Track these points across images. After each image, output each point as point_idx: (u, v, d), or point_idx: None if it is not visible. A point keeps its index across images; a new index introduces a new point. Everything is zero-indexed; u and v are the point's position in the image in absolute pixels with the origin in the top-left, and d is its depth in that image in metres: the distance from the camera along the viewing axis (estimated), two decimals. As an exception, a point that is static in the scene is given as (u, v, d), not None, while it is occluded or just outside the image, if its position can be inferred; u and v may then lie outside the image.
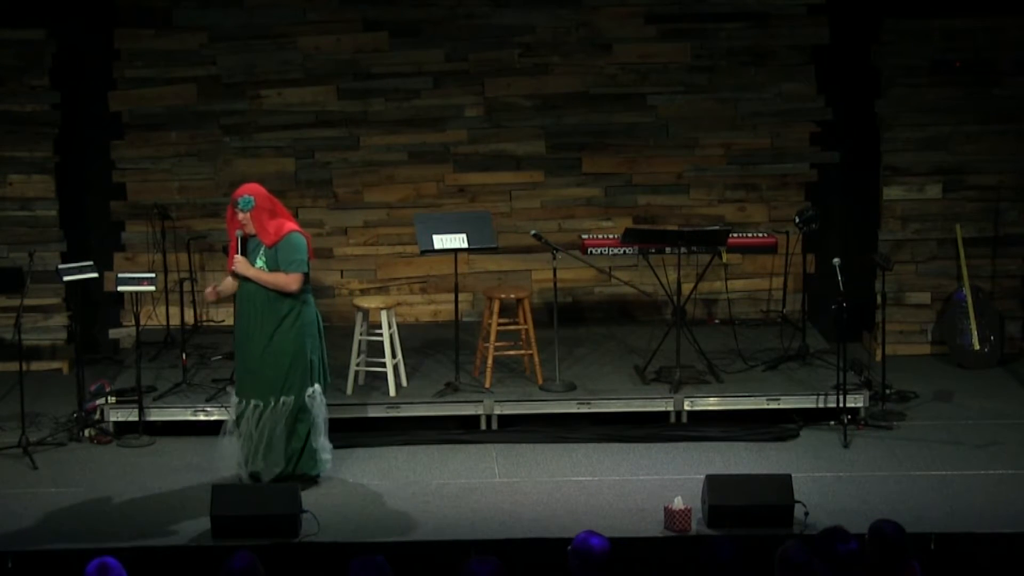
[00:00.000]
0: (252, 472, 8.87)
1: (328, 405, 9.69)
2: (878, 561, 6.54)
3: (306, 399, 8.85)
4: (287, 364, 8.78)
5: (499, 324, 10.25)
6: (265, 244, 8.74)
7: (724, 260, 11.16)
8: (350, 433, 9.68)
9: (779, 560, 6.34)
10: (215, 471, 8.99)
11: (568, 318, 11.52)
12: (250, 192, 8.74)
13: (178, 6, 11.42)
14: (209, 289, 9.01)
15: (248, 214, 8.70)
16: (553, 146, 11.73)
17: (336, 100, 11.59)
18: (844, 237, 11.59)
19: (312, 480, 8.95)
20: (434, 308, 11.82)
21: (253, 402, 8.81)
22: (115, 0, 11.38)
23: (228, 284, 8.95)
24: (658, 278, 10.51)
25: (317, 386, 8.91)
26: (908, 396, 10.49)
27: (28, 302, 10.37)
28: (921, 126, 11.45)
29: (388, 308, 10.20)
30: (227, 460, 8.94)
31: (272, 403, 8.78)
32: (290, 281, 8.71)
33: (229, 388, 9.21)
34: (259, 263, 8.76)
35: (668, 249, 10.42)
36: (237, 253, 8.78)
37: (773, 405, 10.06)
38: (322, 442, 8.95)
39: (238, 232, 8.78)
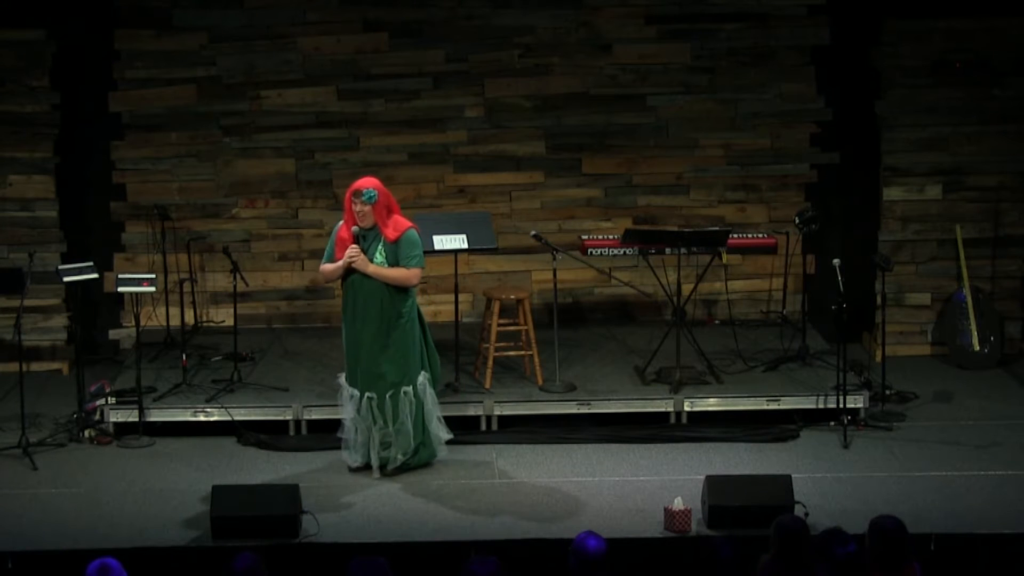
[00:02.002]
0: (382, 461, 9.06)
1: (327, 406, 9.73)
2: (879, 558, 6.54)
3: (417, 388, 9.04)
4: (408, 356, 8.98)
5: (499, 325, 10.25)
6: (387, 239, 8.87)
7: (724, 261, 11.16)
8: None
9: (775, 528, 6.42)
10: (343, 464, 9.20)
11: (568, 319, 11.53)
12: (373, 185, 8.82)
13: (178, 7, 11.42)
14: (332, 267, 8.97)
15: (371, 207, 8.80)
16: (553, 147, 11.73)
17: (336, 101, 11.59)
18: (844, 238, 11.59)
19: (428, 465, 9.20)
20: (434, 309, 11.81)
21: (369, 395, 8.95)
22: (115, 1, 11.38)
23: (332, 270, 8.98)
24: (658, 279, 10.51)
25: (425, 374, 9.09)
26: (908, 397, 10.49)
27: (28, 303, 10.37)
28: (921, 127, 11.45)
29: (388, 309, 10.20)
30: (354, 453, 9.12)
31: (397, 395, 8.95)
32: (411, 276, 8.91)
33: (341, 382, 9.20)
34: (378, 258, 8.87)
35: (668, 250, 10.42)
36: (355, 248, 8.83)
37: (773, 406, 10.06)
38: (436, 427, 9.18)
39: (355, 228, 8.84)
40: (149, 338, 10.91)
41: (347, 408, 9.14)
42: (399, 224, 8.93)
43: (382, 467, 9.11)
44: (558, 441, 9.74)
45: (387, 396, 8.95)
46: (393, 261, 8.88)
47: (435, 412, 9.18)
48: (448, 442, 9.53)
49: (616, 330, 11.62)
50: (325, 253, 9.10)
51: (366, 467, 9.15)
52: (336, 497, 8.83)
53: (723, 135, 11.72)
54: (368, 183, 8.85)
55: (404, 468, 9.13)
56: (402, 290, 8.92)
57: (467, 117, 11.65)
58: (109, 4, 11.36)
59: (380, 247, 8.88)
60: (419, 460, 9.19)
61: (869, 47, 11.51)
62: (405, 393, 8.98)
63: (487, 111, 11.65)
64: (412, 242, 8.92)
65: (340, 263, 8.90)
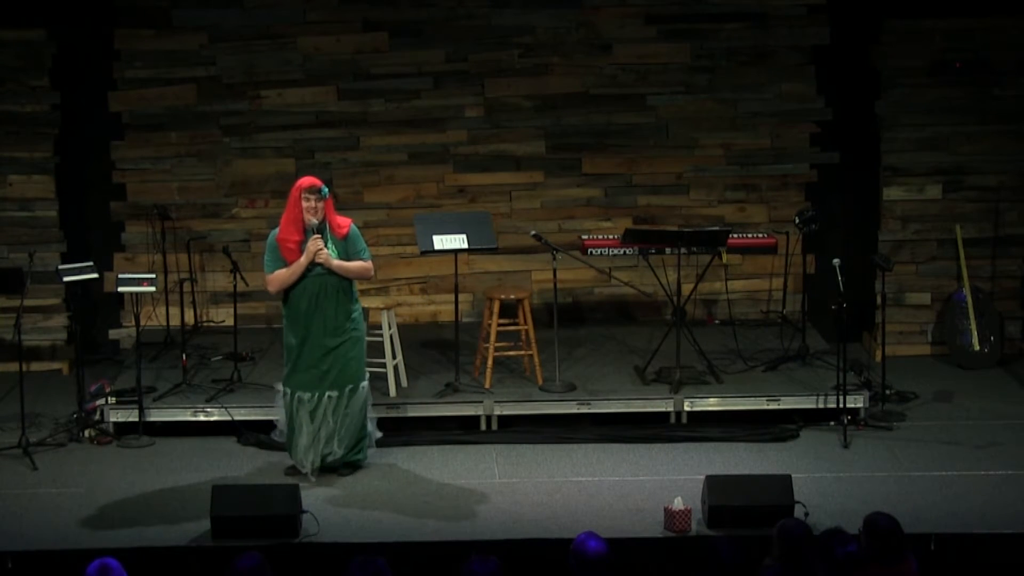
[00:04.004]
0: (326, 461, 9.05)
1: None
2: (874, 554, 6.55)
3: (365, 384, 9.13)
4: (361, 351, 9.05)
5: (499, 325, 10.25)
6: (338, 236, 8.91)
7: (724, 260, 11.16)
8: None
9: (778, 532, 6.42)
10: (279, 468, 9.21)
11: (568, 319, 11.53)
12: (322, 182, 8.86)
13: (178, 7, 11.42)
14: (290, 270, 8.89)
15: (323, 203, 8.84)
16: (553, 146, 11.73)
17: (336, 100, 11.59)
18: (844, 238, 11.59)
19: (358, 467, 9.20)
20: (434, 309, 11.82)
21: (329, 394, 8.95)
22: (115, 1, 11.38)
23: (292, 272, 8.89)
24: (658, 278, 10.51)
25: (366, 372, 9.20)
26: (908, 396, 10.49)
27: (28, 303, 10.38)
28: (921, 126, 11.45)
29: (388, 308, 10.21)
30: (297, 455, 9.09)
31: (353, 390, 8.99)
32: (370, 268, 9.04)
33: (277, 387, 9.21)
34: (332, 254, 8.90)
35: (668, 249, 10.42)
36: (319, 241, 8.80)
37: (773, 406, 10.06)
38: (372, 427, 9.26)
39: (313, 222, 8.83)
40: (149, 338, 10.91)
41: (285, 413, 9.09)
42: (342, 220, 8.99)
43: (322, 466, 9.07)
44: (558, 441, 9.74)
45: (346, 391, 8.96)
46: (344, 256, 8.92)
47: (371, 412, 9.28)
48: (447, 442, 9.57)
49: (616, 330, 11.62)
50: (268, 262, 8.97)
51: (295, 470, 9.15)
52: (336, 497, 8.83)
53: (723, 135, 11.72)
54: (317, 180, 8.88)
55: (343, 463, 9.11)
56: (352, 285, 8.98)
57: (467, 117, 11.66)
58: (109, 4, 11.36)
59: (331, 244, 8.90)
60: (360, 457, 9.17)
61: (869, 47, 11.51)
62: (362, 388, 9.04)
63: (487, 111, 11.65)
64: (359, 236, 9.03)
65: (303, 260, 8.83)
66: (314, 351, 8.95)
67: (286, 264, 8.89)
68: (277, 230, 8.97)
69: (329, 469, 9.11)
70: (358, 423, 9.09)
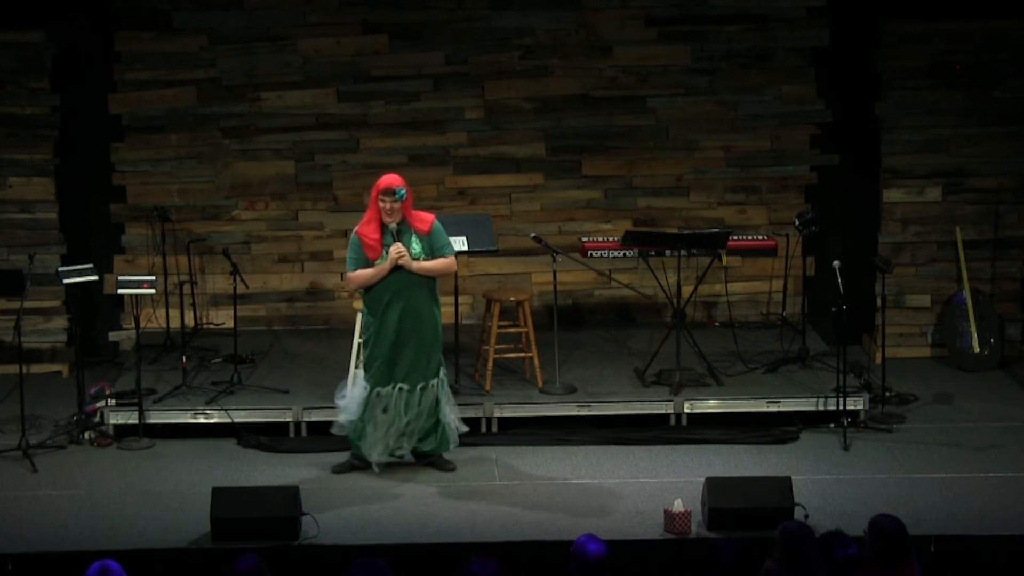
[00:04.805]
0: (394, 454, 9.12)
1: (328, 408, 9.73)
2: (878, 556, 6.54)
3: (443, 378, 9.19)
4: (439, 349, 9.11)
5: (499, 327, 10.25)
6: (421, 232, 8.93)
7: (724, 262, 11.16)
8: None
9: (780, 534, 6.42)
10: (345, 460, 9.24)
11: (568, 321, 11.52)
12: (400, 182, 8.84)
13: (178, 9, 11.42)
14: (372, 271, 8.88)
15: (402, 203, 8.82)
16: (553, 148, 11.73)
17: (336, 103, 11.59)
18: (844, 240, 11.59)
19: (433, 455, 9.26)
20: (434, 310, 11.81)
21: (401, 386, 8.98)
22: (115, 3, 11.38)
23: (374, 274, 8.88)
24: (658, 281, 10.51)
25: (443, 368, 9.25)
26: (908, 399, 10.49)
27: (28, 304, 10.37)
28: (921, 128, 11.45)
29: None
30: (369, 449, 9.10)
31: (424, 388, 9.04)
32: (452, 264, 9.09)
33: (362, 380, 9.10)
34: (415, 251, 8.90)
35: (668, 251, 10.43)
36: (399, 245, 8.81)
37: (773, 408, 10.06)
38: (454, 419, 9.26)
39: (392, 225, 8.83)
40: (149, 340, 10.90)
41: (359, 406, 9.05)
42: (424, 216, 9.01)
43: (391, 455, 9.16)
44: (558, 443, 9.74)
45: (418, 388, 8.99)
46: (429, 253, 8.94)
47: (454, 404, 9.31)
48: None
49: (616, 332, 11.62)
50: (351, 259, 8.95)
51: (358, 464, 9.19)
52: (336, 499, 8.83)
53: (723, 137, 11.72)
54: (395, 180, 8.85)
55: (419, 454, 9.19)
56: (435, 283, 9.03)
57: (467, 119, 11.65)
58: (109, 6, 11.36)
59: (414, 241, 8.92)
60: (439, 447, 9.22)
61: (869, 49, 11.51)
62: (432, 386, 9.08)
63: (487, 113, 11.65)
64: (441, 231, 9.03)
65: (385, 264, 8.82)
66: (397, 348, 8.94)
67: (367, 261, 8.87)
68: (358, 226, 8.95)
69: (399, 462, 9.17)
70: (432, 418, 9.10)
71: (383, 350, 8.97)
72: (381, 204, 8.83)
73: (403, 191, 8.82)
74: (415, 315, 8.94)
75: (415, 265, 8.89)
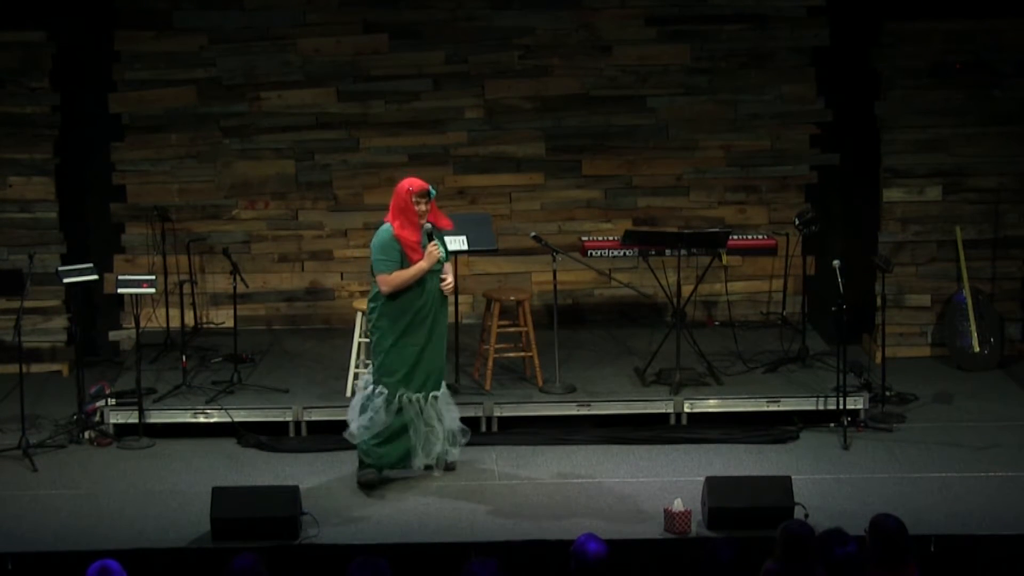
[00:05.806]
0: (440, 459, 9.08)
1: (328, 407, 9.73)
2: (878, 557, 6.54)
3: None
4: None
5: (499, 326, 10.25)
6: (448, 230, 9.03)
7: (724, 262, 11.16)
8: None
9: (781, 534, 6.42)
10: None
11: (568, 320, 11.52)
12: (426, 183, 8.78)
13: (178, 8, 11.42)
14: (411, 272, 8.74)
15: (433, 202, 8.81)
16: (553, 148, 11.73)
17: (336, 102, 11.59)
18: (844, 239, 11.59)
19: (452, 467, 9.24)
20: (434, 310, 11.81)
21: (434, 393, 8.94)
22: (115, 2, 11.38)
23: (413, 275, 8.76)
24: (658, 280, 10.51)
25: None
26: (908, 398, 10.49)
27: (28, 304, 10.38)
28: (921, 128, 11.46)
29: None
30: (419, 459, 8.99)
31: (445, 389, 9.05)
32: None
33: (367, 387, 8.96)
34: (444, 253, 8.92)
35: (668, 251, 10.43)
36: (436, 246, 8.80)
37: (773, 407, 10.06)
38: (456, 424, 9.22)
39: (428, 226, 8.78)
40: (149, 339, 10.90)
41: (390, 413, 8.86)
42: (444, 216, 9.02)
43: (435, 464, 9.10)
44: (558, 442, 9.74)
45: (443, 390, 9.03)
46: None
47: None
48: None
49: (616, 331, 11.62)
50: (385, 261, 8.72)
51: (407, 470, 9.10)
52: (336, 498, 8.83)
53: (723, 136, 11.73)
54: (421, 181, 8.78)
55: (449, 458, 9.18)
56: None
57: (467, 118, 11.65)
58: (109, 5, 11.36)
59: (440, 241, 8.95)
60: (451, 454, 9.18)
61: (869, 48, 11.51)
62: (450, 387, 9.16)
63: (487, 112, 11.65)
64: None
65: (424, 265, 8.72)
66: (423, 351, 8.85)
67: (403, 263, 8.73)
68: (386, 232, 8.74)
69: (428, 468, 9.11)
70: (456, 419, 9.11)
71: (412, 356, 8.84)
72: (417, 206, 8.71)
73: (434, 191, 8.81)
74: (443, 321, 8.93)
75: (448, 266, 8.92)
